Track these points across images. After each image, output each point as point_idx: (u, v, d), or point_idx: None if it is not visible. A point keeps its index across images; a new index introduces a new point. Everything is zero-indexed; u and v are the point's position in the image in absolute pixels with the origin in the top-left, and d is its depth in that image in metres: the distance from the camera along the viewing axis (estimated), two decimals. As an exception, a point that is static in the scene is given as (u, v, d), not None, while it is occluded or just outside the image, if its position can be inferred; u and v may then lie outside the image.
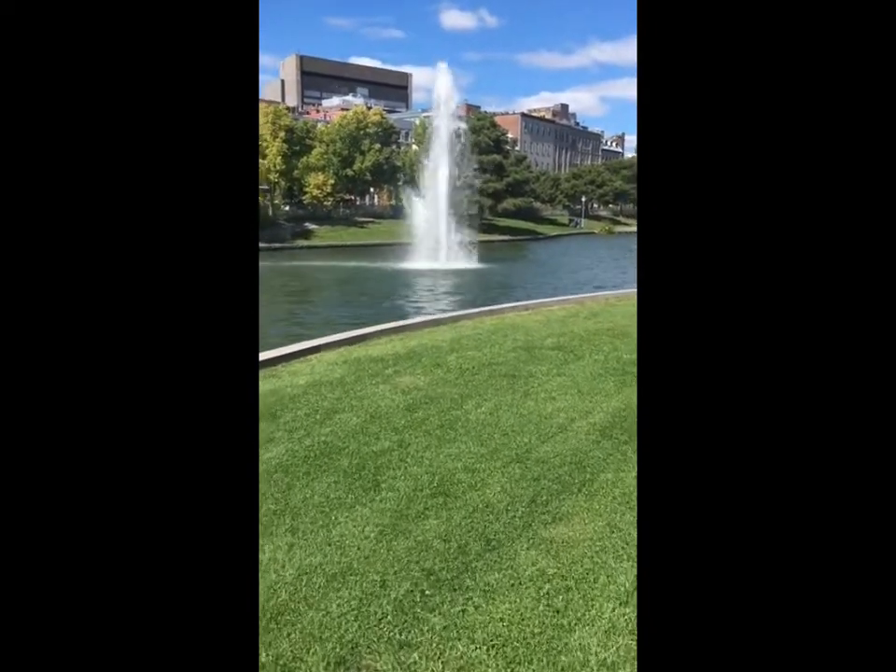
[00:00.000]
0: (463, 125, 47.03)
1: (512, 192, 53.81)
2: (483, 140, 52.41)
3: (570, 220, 70.31)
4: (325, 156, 45.56)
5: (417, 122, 45.43)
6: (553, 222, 66.58)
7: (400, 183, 31.71)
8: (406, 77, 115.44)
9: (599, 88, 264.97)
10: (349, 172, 46.80)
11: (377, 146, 47.64)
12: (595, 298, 11.93)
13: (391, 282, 22.23)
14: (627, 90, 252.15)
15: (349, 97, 63.04)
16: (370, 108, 52.24)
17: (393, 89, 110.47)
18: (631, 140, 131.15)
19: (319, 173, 44.31)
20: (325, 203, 45.64)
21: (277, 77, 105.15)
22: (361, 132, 47.89)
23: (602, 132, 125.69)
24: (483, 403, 4.96)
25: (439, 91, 28.88)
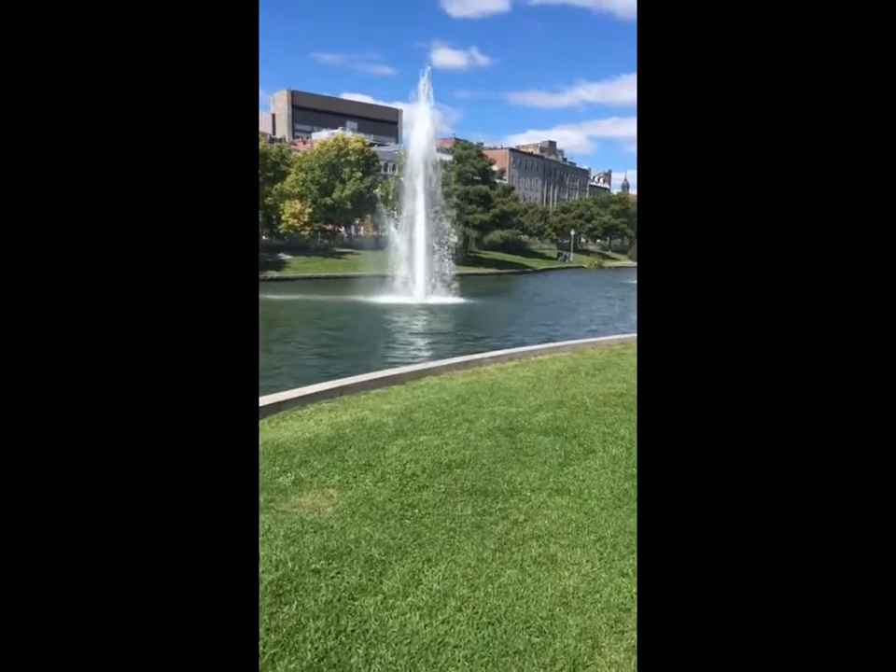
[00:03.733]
0: (447, 157, 45.31)
1: (499, 224, 51.80)
2: (469, 170, 50.77)
3: (559, 254, 68.52)
4: (303, 184, 43.22)
5: (401, 153, 43.56)
6: (541, 256, 64.67)
7: (383, 214, 29.38)
8: (396, 112, 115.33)
9: (586, 126, 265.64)
10: (328, 200, 44.41)
11: (358, 174, 45.58)
12: (597, 344, 9.72)
13: (351, 320, 18.64)
14: (614, 129, 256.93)
15: (338, 130, 61.68)
16: (351, 135, 50.60)
17: (383, 124, 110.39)
18: (618, 177, 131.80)
19: (296, 200, 41.90)
20: (302, 232, 43.13)
21: (269, 111, 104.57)
22: (342, 159, 45.91)
23: (589, 168, 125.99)
24: (424, 573, 2.64)
25: (419, 97, 26.00)
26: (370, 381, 6.61)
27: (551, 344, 9.47)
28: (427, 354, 11.81)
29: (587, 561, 2.77)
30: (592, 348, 9.39)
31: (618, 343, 9.89)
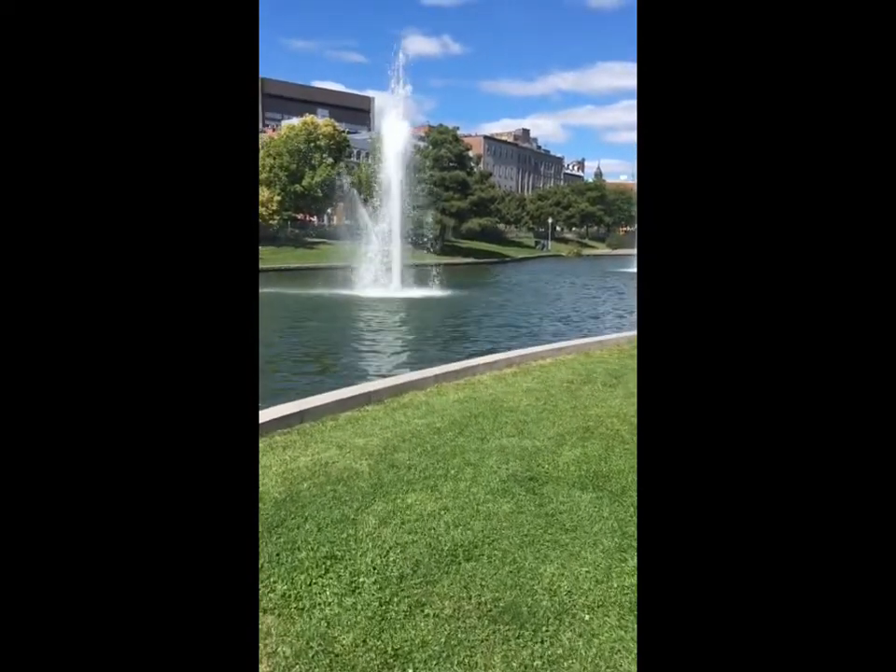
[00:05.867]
0: (421, 144, 43.41)
1: (477, 212, 50.21)
2: (445, 155, 49.01)
3: (537, 243, 67.10)
4: (271, 170, 40.70)
5: (374, 138, 41.54)
6: (518, 244, 63.12)
7: (357, 202, 27.61)
8: (368, 100, 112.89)
9: (560, 115, 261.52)
10: (298, 188, 42.25)
11: (329, 160, 43.43)
12: (604, 343, 8.44)
13: (319, 317, 15.63)
14: (588, 117, 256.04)
15: (308, 116, 59.26)
16: (321, 119, 48.37)
17: (355, 112, 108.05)
18: (591, 166, 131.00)
19: (264, 188, 39.63)
20: (271, 221, 40.89)
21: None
22: (311, 144, 43.74)
23: (563, 157, 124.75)
24: None
25: (396, 67, 23.75)
26: (338, 401, 5.19)
27: (552, 346, 8.13)
28: (407, 359, 10.24)
29: None
30: (599, 349, 8.09)
31: (626, 341, 8.61)
